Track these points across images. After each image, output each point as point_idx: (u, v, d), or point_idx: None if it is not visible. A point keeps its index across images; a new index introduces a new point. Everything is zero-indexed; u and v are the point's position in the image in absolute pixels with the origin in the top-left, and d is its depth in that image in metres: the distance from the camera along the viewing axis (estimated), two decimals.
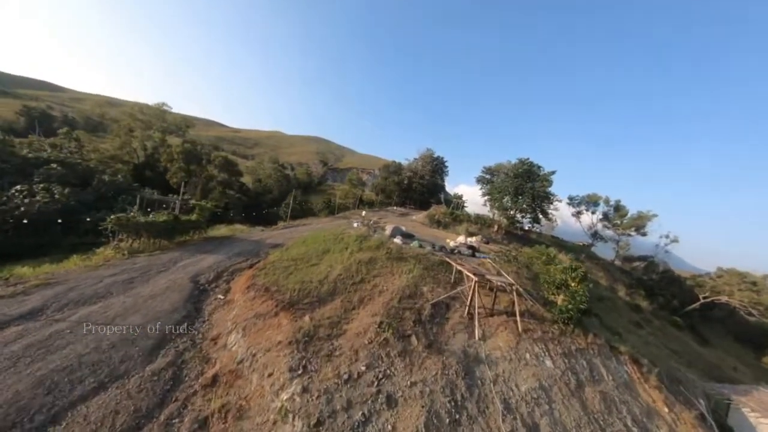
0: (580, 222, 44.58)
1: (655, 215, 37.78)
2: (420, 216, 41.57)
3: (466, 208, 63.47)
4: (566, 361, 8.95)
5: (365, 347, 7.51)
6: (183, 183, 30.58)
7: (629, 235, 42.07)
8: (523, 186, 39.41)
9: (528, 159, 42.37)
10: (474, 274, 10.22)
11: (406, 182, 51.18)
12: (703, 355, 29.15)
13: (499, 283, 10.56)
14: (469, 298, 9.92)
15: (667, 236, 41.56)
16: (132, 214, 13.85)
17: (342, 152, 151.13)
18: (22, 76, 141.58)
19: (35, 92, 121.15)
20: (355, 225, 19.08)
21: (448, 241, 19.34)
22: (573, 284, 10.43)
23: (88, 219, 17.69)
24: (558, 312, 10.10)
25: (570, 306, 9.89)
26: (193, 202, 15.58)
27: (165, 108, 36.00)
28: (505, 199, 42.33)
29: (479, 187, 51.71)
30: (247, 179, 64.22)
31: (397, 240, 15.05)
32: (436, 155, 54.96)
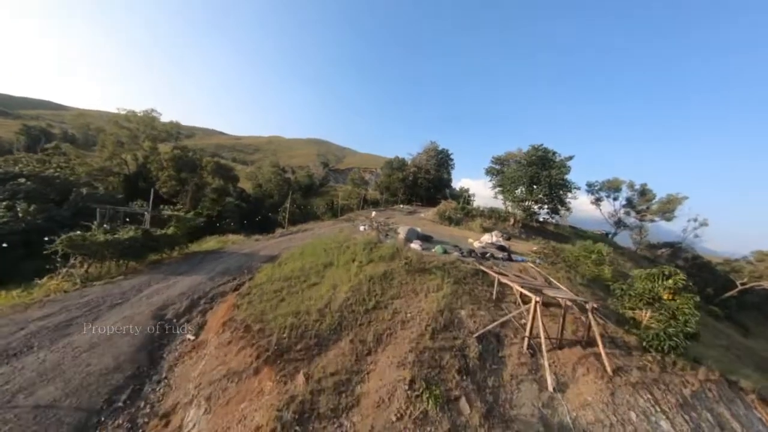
0: (600, 210, 41.17)
1: (685, 198, 34.32)
2: (429, 213, 38.62)
3: (474, 202, 60.44)
4: (686, 417, 5.98)
5: (393, 430, 4.66)
6: (176, 192, 28.09)
7: (653, 220, 38.52)
8: (538, 174, 36.15)
9: (542, 145, 39.10)
10: (527, 289, 7.29)
11: (411, 178, 48.15)
12: (752, 348, 25.74)
13: (565, 302, 7.60)
14: (529, 326, 7.00)
15: (695, 219, 38.00)
16: (91, 232, 11.19)
17: (343, 153, 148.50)
18: (23, 97, 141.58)
19: (36, 111, 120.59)
20: (362, 228, 16.23)
21: (471, 241, 16.37)
22: (668, 297, 7.43)
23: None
24: (653, 338, 7.13)
25: (672, 330, 6.90)
26: (168, 212, 12.83)
27: (154, 114, 33.48)
28: (519, 190, 39.16)
29: (488, 179, 48.39)
30: (246, 185, 61.81)
31: (415, 245, 12.18)
32: (440, 148, 51.86)
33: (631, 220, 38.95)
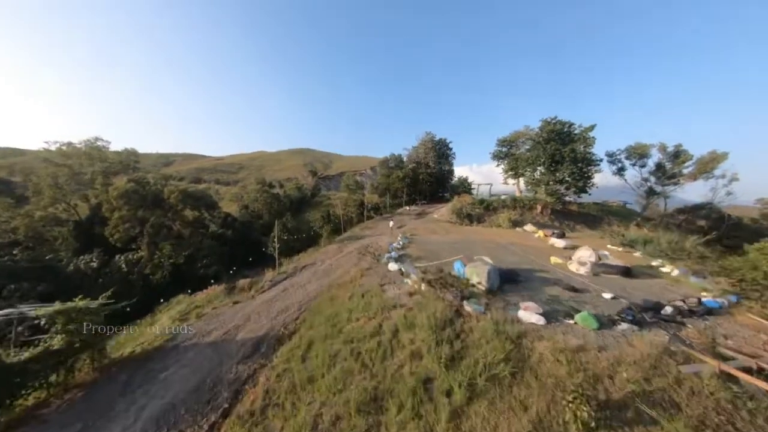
0: (625, 180, 36.18)
1: (725, 155, 29.49)
2: (442, 212, 33.01)
3: (474, 191, 55.12)
4: None
5: None
6: (133, 237, 21.67)
7: (680, 183, 33.65)
8: (560, 151, 30.93)
9: (555, 117, 33.82)
10: None
11: (411, 175, 42.39)
12: None
13: None
14: None
15: (723, 176, 33.28)
16: None
17: (329, 159, 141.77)
18: None
19: None
20: (392, 267, 10.26)
21: (558, 262, 10.61)
22: None
23: None
24: None
25: None
26: (36, 312, 6.70)
27: (99, 144, 26.79)
28: (538, 172, 33.97)
29: (495, 164, 43.18)
30: (232, 208, 55.12)
31: (529, 315, 6.22)
32: (437, 138, 46.25)
33: (662, 187, 34.07)
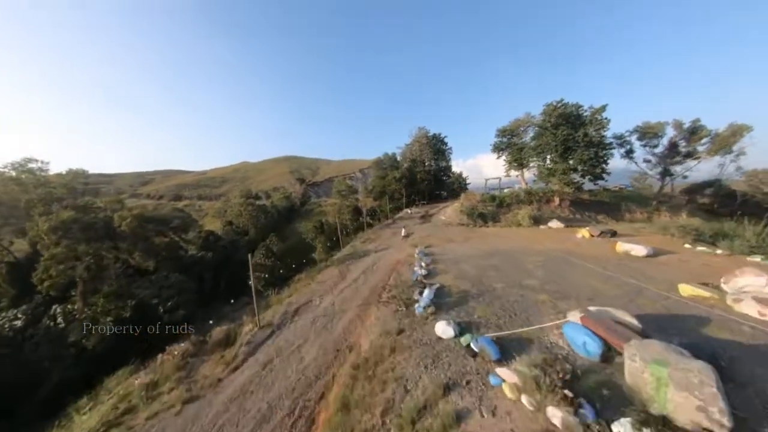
0: (635, 162, 33.40)
1: (748, 127, 26.89)
2: (448, 213, 29.17)
3: (469, 185, 51.78)
4: None
5: None
6: (73, 281, 16.66)
7: (697, 161, 31.05)
8: (572, 136, 27.67)
9: (562, 100, 30.57)
10: None
11: (408, 175, 38.42)
12: None
13: None
14: None
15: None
16: None
17: (316, 165, 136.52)
18: None
19: None
20: (439, 329, 6.01)
21: (691, 291, 6.68)
22: None
23: None
24: None
25: None
26: None
27: (32, 167, 21.57)
28: (548, 160, 30.63)
29: (496, 156, 39.78)
30: (216, 225, 49.78)
31: None
32: (431, 133, 42.53)
33: (677, 167, 31.41)
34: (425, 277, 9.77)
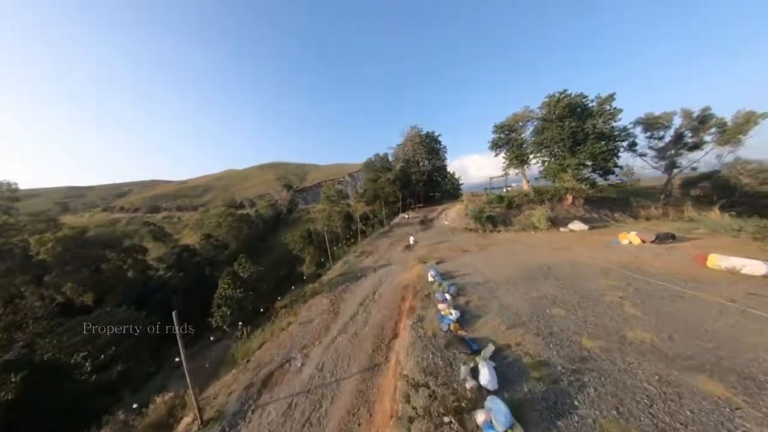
0: (639, 155, 31.40)
1: (764, 114, 25.16)
2: (451, 216, 25.99)
3: (462, 185, 49.16)
4: None
5: None
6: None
7: (706, 152, 29.13)
8: (581, 128, 25.23)
9: (565, 91, 28.20)
10: None
11: (402, 177, 35.16)
12: None
13: None
14: None
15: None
16: None
17: (304, 170, 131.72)
18: None
19: None
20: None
21: None
22: None
23: None
24: None
25: None
26: None
27: None
28: (554, 156, 28.09)
29: (494, 153, 37.18)
30: (192, 239, 44.92)
31: None
32: (424, 132, 39.57)
33: (683, 159, 29.58)
34: (462, 324, 6.35)
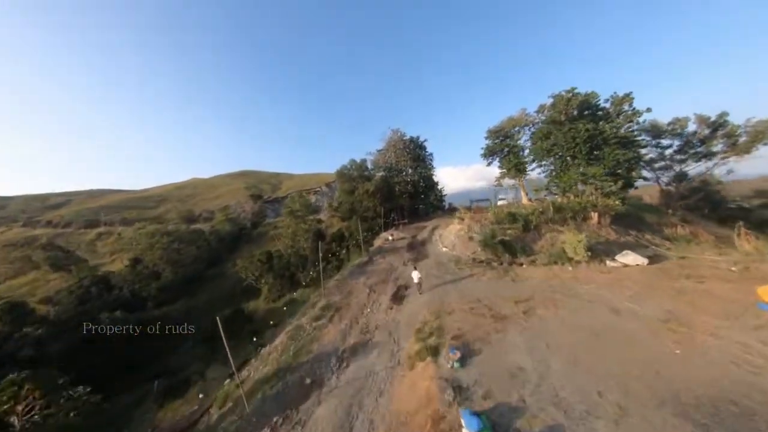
0: (642, 165, 27.77)
1: None
2: (448, 238, 19.56)
3: (445, 196, 43.95)
4: None
5: None
6: None
7: (721, 162, 25.87)
8: (598, 132, 20.69)
9: (574, 89, 23.85)
10: None
11: (384, 187, 28.76)
12: None
13: None
14: None
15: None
16: None
17: (278, 179, 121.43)
18: None
19: None
20: None
21: None
22: None
23: None
24: None
25: None
26: None
27: None
28: (565, 163, 23.27)
29: (486, 162, 32.24)
30: (116, 265, 34.94)
31: None
32: (408, 137, 33.90)
33: (700, 167, 26.08)
34: None
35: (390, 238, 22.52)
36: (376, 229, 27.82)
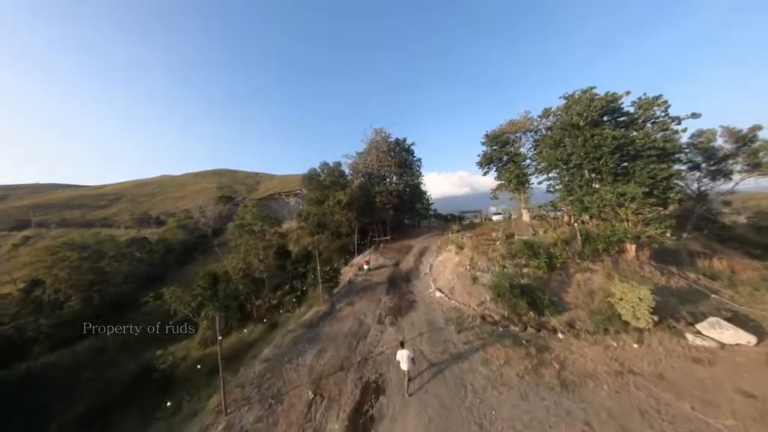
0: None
1: None
2: (442, 275, 14.21)
3: (433, 207, 39.50)
4: None
5: None
6: None
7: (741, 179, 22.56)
8: (631, 141, 16.54)
9: (592, 89, 19.82)
10: None
11: (361, 197, 23.37)
12: None
13: None
14: None
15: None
16: None
17: (256, 179, 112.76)
18: None
19: None
20: None
21: None
22: None
23: None
24: None
25: None
26: None
27: None
28: (581, 180, 19.04)
29: (482, 172, 27.73)
30: (8, 288, 27.08)
31: None
32: (393, 139, 28.81)
33: (722, 185, 22.70)
34: None
35: (365, 266, 17.06)
36: (349, 245, 22.30)
